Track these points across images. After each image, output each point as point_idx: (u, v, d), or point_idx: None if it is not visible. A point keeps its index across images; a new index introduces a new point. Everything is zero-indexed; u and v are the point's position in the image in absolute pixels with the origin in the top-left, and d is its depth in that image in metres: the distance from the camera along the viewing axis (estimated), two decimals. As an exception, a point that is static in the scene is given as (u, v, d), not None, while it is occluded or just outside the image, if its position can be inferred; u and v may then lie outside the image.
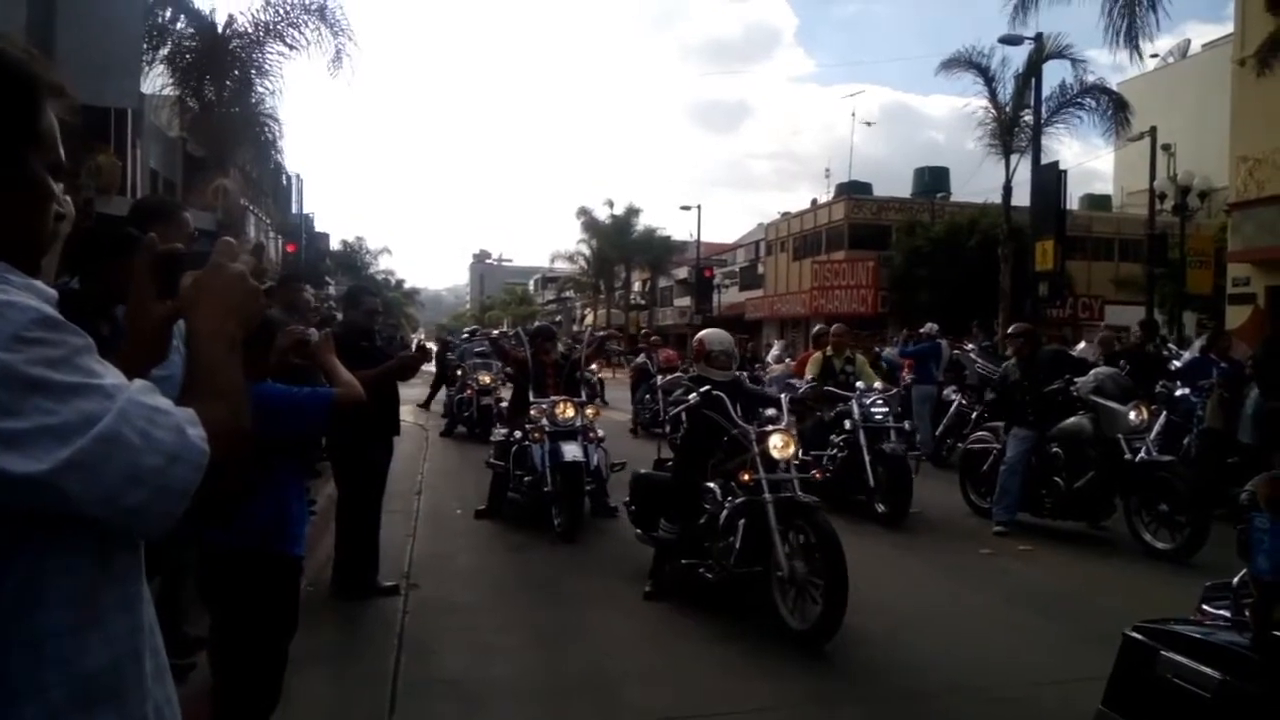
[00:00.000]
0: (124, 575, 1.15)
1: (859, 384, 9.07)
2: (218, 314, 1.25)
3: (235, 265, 1.31)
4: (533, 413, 8.09)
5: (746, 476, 5.38)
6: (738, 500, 5.46)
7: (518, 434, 8.18)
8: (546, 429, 7.90)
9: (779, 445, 5.44)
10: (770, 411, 6.11)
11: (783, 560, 5.12)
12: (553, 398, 8.18)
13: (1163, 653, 2.11)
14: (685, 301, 45.15)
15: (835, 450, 8.74)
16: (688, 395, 5.92)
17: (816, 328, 11.40)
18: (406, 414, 13.85)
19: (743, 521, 5.35)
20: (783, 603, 5.18)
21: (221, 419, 1.14)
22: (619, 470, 8.38)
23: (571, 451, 7.70)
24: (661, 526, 5.99)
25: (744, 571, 5.36)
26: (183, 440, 1.07)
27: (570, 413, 8.08)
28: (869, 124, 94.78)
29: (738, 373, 6.57)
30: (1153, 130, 21.41)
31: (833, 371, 9.31)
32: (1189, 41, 38.23)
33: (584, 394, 8.84)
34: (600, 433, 8.49)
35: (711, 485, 5.74)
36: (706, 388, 5.84)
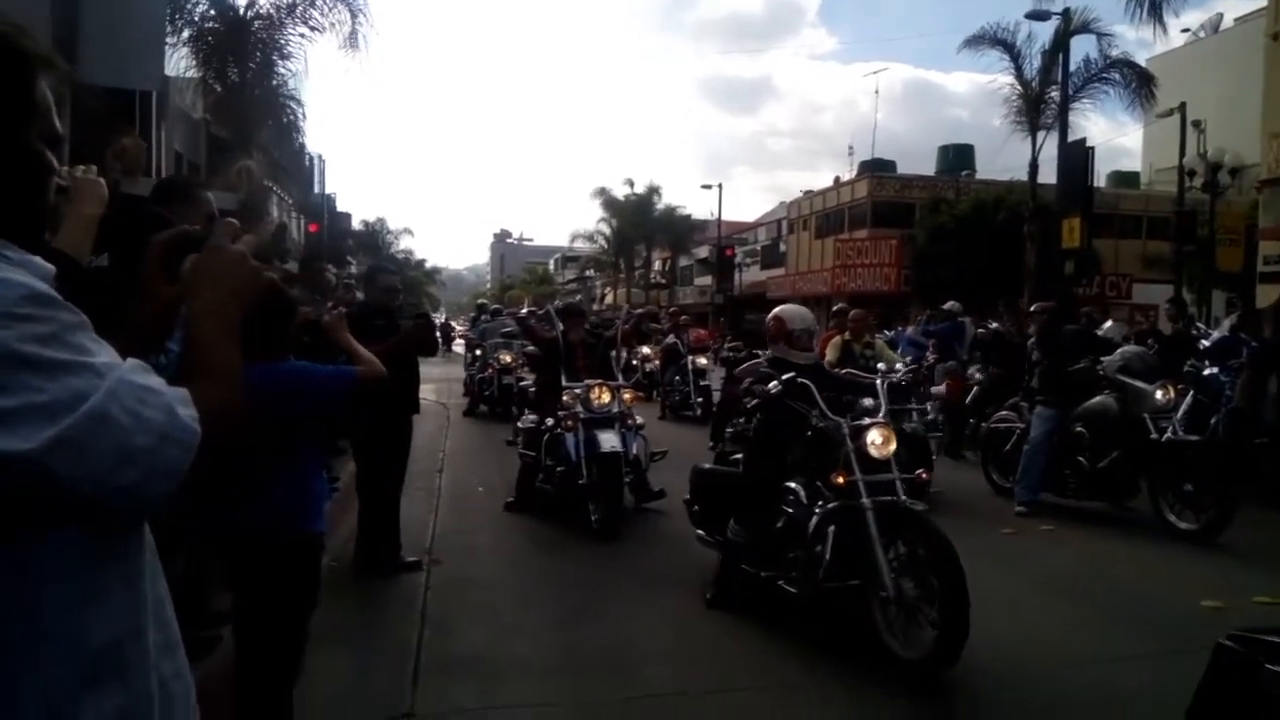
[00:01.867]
0: (124, 551, 1.14)
1: (880, 365, 9.00)
2: (216, 295, 1.26)
3: (235, 246, 1.31)
4: (565, 398, 7.45)
5: (841, 479, 4.65)
6: (829, 504, 4.70)
7: (549, 421, 7.54)
8: (580, 416, 7.29)
9: (878, 441, 4.69)
10: (866, 401, 5.33)
11: (886, 577, 4.41)
12: (587, 382, 7.54)
13: (1268, 666, 1.95)
14: (706, 280, 45.02)
15: None
16: (767, 383, 5.10)
17: (837, 306, 11.27)
18: (429, 392, 13.94)
19: (832, 529, 4.61)
20: (885, 626, 4.49)
21: (216, 400, 1.14)
22: (659, 460, 7.88)
23: (609, 441, 7.15)
24: (730, 529, 5.29)
25: (836, 586, 4.65)
26: (174, 420, 1.06)
27: (606, 398, 7.46)
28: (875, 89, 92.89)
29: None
30: (1182, 106, 21.04)
31: (852, 355, 8.97)
32: (1220, 16, 37.49)
33: (619, 376, 8.20)
34: (639, 419, 7.90)
35: (794, 485, 4.97)
36: (790, 375, 5.03)
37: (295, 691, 3.17)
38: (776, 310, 5.83)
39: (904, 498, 4.64)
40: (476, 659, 4.60)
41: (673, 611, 5.36)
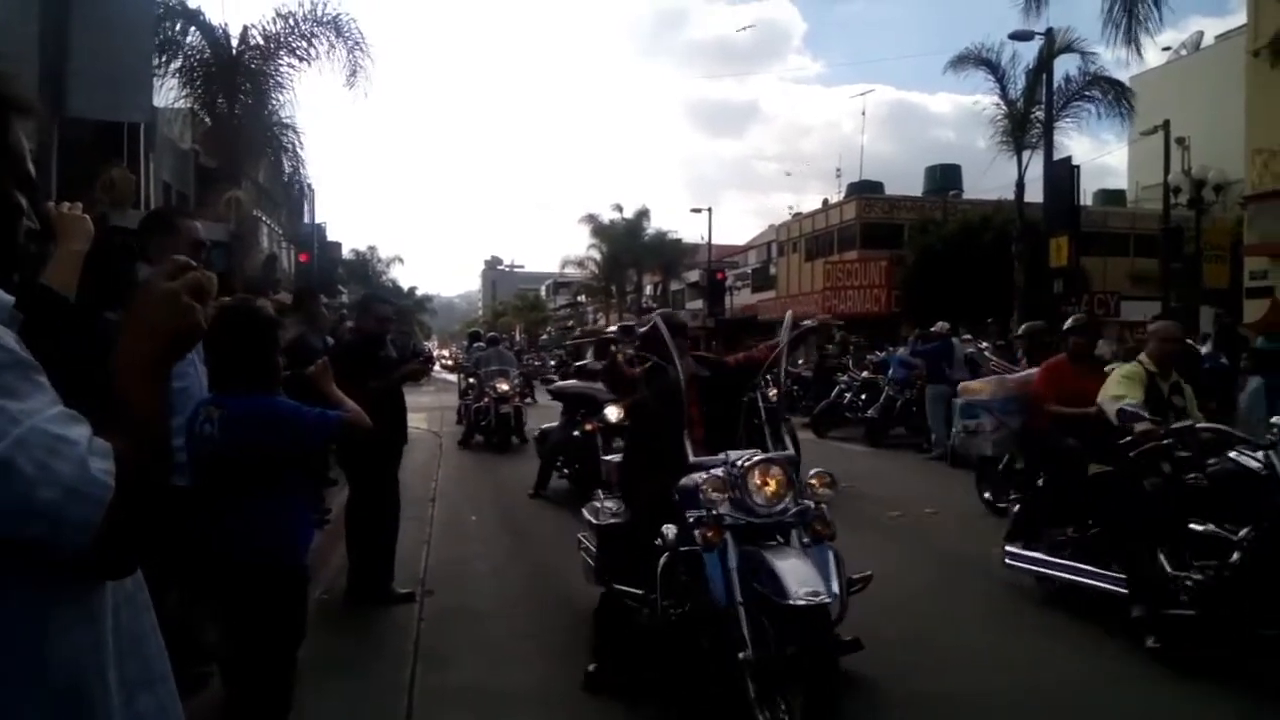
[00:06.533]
0: (82, 589, 1.11)
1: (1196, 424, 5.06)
2: (140, 337, 1.14)
3: (166, 283, 1.17)
4: (702, 486, 3.86)
5: None
6: None
7: (669, 531, 4.04)
8: (727, 521, 3.78)
9: None
10: None
11: None
12: (736, 457, 3.94)
13: None
14: (698, 304, 45.13)
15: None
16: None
17: (1074, 319, 6.63)
18: (419, 421, 13.89)
19: None
20: None
21: (133, 453, 1.06)
22: (859, 589, 4.34)
23: (801, 577, 3.48)
24: None
25: None
26: (83, 474, 1.00)
27: (774, 486, 3.86)
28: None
29: None
30: (1166, 124, 21.26)
31: (1160, 398, 5.34)
32: (1201, 34, 37.98)
33: (789, 444, 4.46)
34: (828, 519, 3.96)
35: None
36: None
37: (287, 727, 3.12)
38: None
39: None
40: (472, 690, 4.54)
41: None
